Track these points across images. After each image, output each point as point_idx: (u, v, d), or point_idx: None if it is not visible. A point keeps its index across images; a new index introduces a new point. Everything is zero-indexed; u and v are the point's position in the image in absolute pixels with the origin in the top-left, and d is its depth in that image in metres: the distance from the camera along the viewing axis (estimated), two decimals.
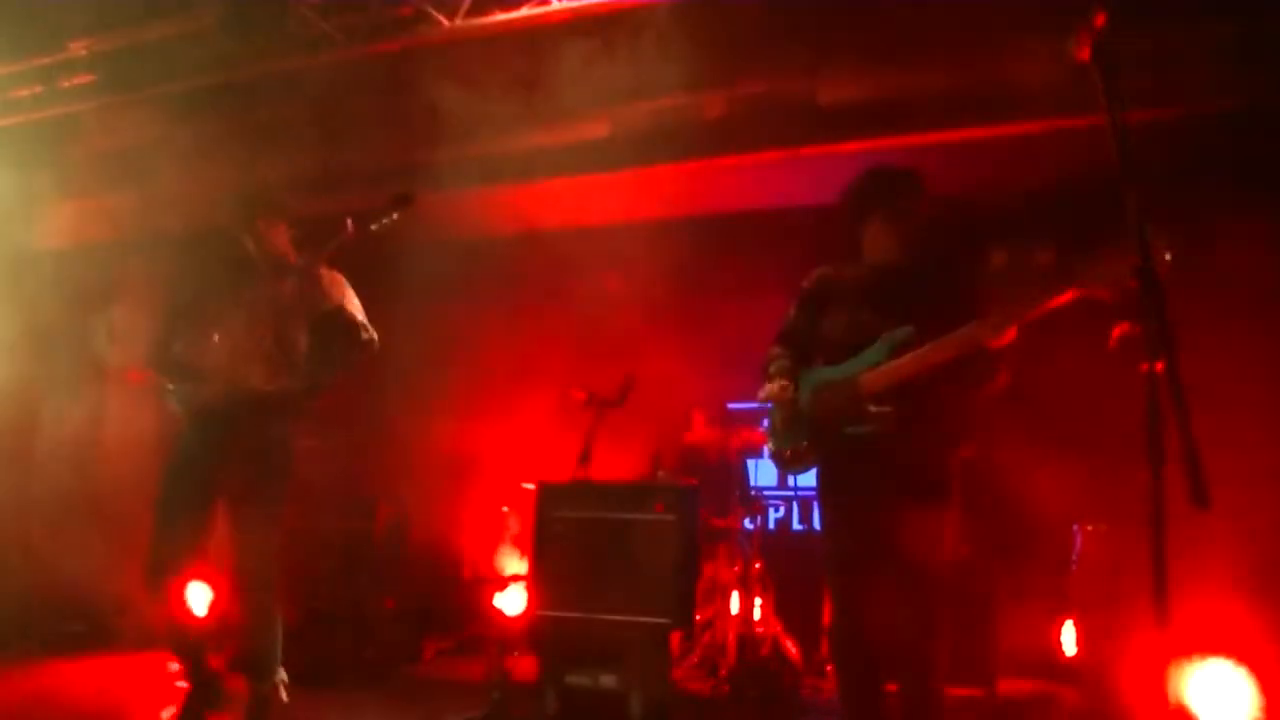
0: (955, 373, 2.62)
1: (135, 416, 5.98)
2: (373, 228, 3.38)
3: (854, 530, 2.74)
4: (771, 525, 6.06)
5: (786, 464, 2.95)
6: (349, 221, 3.35)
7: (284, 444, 3.42)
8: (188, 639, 3.37)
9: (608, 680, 3.75)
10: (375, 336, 3.56)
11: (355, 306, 3.53)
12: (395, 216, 3.43)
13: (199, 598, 4.37)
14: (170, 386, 3.39)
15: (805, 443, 2.84)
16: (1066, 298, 2.33)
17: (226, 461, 3.29)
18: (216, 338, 3.31)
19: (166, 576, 3.25)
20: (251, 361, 3.31)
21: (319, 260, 3.41)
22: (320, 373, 3.50)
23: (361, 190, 5.95)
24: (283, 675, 3.41)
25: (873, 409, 2.67)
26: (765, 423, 3.08)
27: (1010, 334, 2.50)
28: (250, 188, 3.61)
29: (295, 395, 3.42)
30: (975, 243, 5.52)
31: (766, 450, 3.03)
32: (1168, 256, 1.89)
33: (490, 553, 5.87)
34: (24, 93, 5.68)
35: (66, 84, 5.56)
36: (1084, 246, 2.26)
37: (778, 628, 4.75)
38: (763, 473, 6.17)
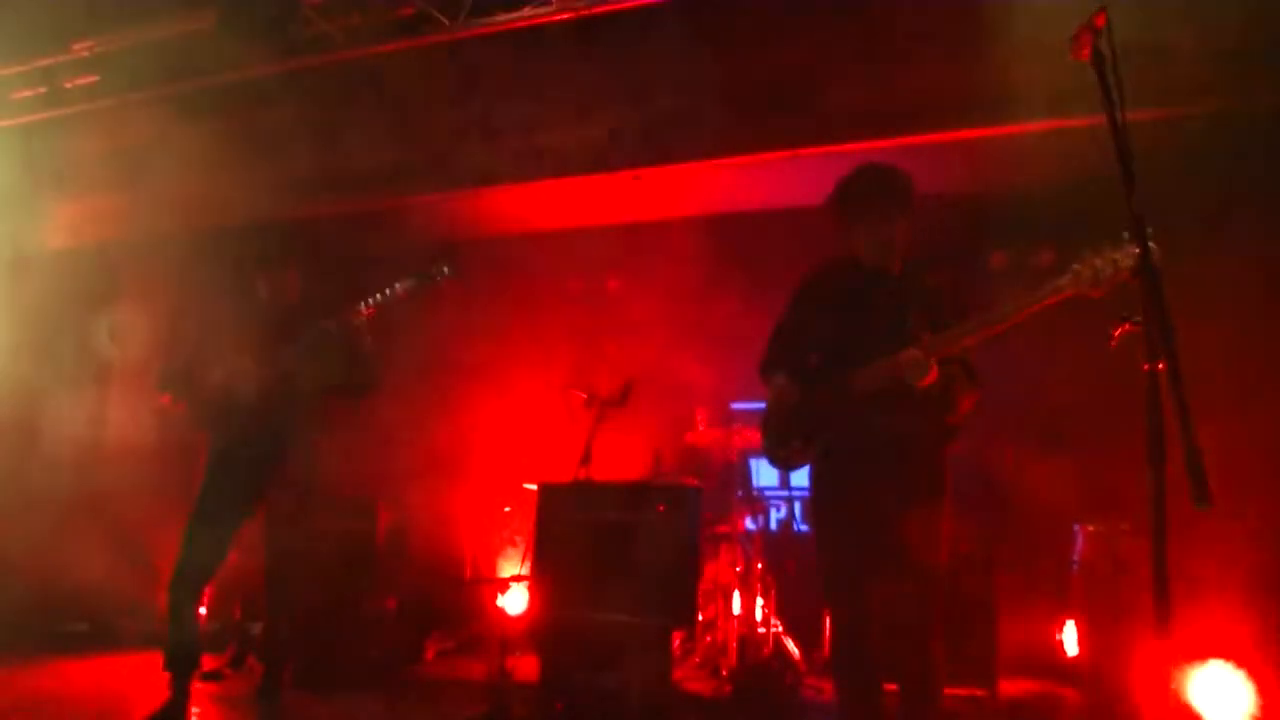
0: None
1: (137, 417, 5.99)
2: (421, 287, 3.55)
3: (850, 529, 2.74)
4: (773, 525, 6.06)
5: (781, 462, 2.97)
6: (399, 287, 3.46)
7: (305, 458, 3.68)
8: (193, 653, 3.46)
9: (609, 680, 3.75)
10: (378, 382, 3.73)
11: (370, 352, 3.64)
12: (441, 279, 3.54)
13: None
14: (197, 415, 3.65)
15: (798, 442, 2.84)
16: (1056, 299, 2.33)
17: (258, 481, 3.57)
18: (243, 373, 3.51)
19: (199, 588, 3.54)
20: (275, 396, 3.52)
21: (353, 312, 3.53)
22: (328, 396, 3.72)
23: (362, 191, 5.96)
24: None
25: (864, 407, 2.67)
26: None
27: (931, 375, 2.52)
28: (270, 237, 3.85)
29: (308, 422, 3.69)
30: (975, 243, 5.52)
31: (762, 448, 3.03)
32: (1153, 245, 1.90)
33: (491, 553, 5.87)
34: (28, 93, 5.69)
35: (70, 85, 5.57)
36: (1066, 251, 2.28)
37: (779, 628, 4.75)
38: (765, 473, 6.18)
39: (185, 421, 3.70)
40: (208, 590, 4.34)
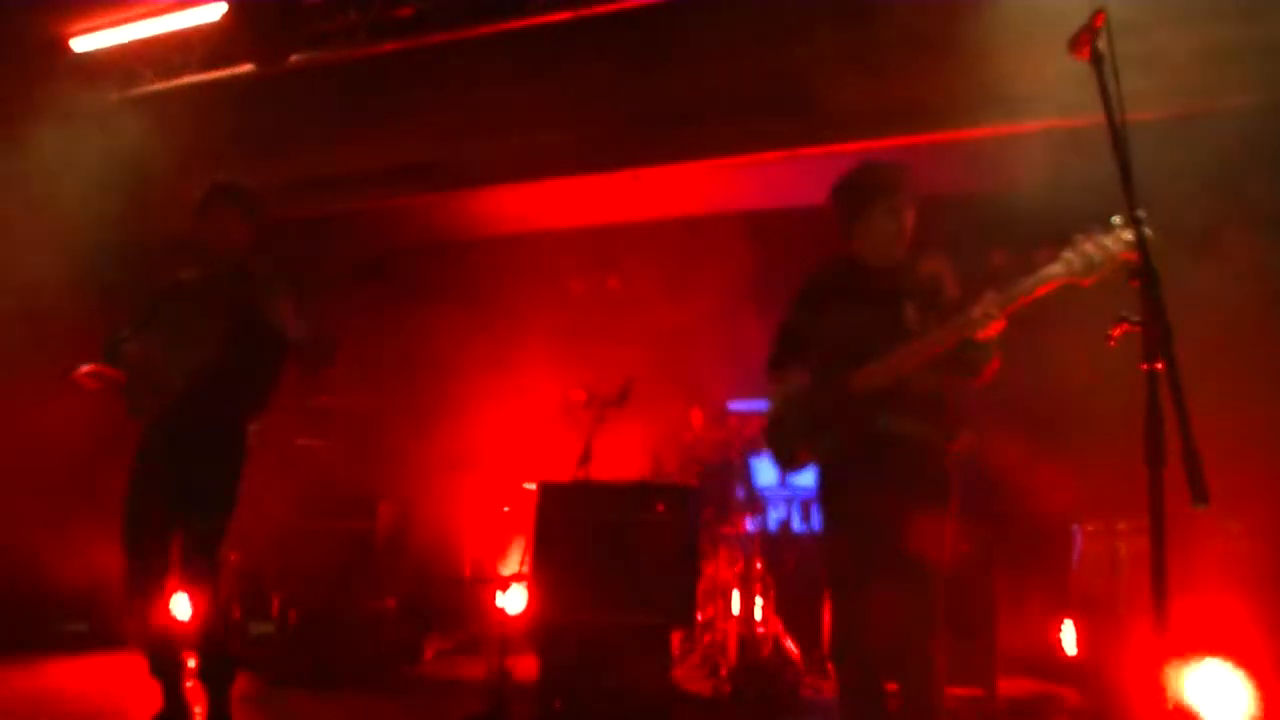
0: (945, 365, 2.62)
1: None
2: None
3: (853, 530, 2.74)
4: (772, 525, 6.06)
5: (786, 465, 2.95)
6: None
7: (235, 444, 3.32)
8: (167, 656, 3.30)
9: (608, 680, 3.75)
10: (294, 338, 3.20)
11: (282, 311, 3.20)
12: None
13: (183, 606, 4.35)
14: (133, 392, 3.26)
15: (802, 443, 2.84)
16: (1048, 287, 2.33)
17: (184, 467, 3.19)
18: (183, 346, 3.19)
19: (149, 593, 3.17)
20: (207, 368, 3.16)
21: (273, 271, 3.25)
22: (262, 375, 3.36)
23: (362, 191, 5.97)
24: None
25: (865, 408, 2.66)
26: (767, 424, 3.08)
27: (998, 325, 2.48)
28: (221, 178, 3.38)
29: (246, 400, 3.34)
30: (975, 243, 5.52)
31: (767, 451, 3.02)
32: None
33: (491, 553, 5.87)
34: None
35: None
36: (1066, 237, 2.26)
37: (778, 627, 4.75)
38: (764, 473, 6.18)
39: (123, 401, 3.30)
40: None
